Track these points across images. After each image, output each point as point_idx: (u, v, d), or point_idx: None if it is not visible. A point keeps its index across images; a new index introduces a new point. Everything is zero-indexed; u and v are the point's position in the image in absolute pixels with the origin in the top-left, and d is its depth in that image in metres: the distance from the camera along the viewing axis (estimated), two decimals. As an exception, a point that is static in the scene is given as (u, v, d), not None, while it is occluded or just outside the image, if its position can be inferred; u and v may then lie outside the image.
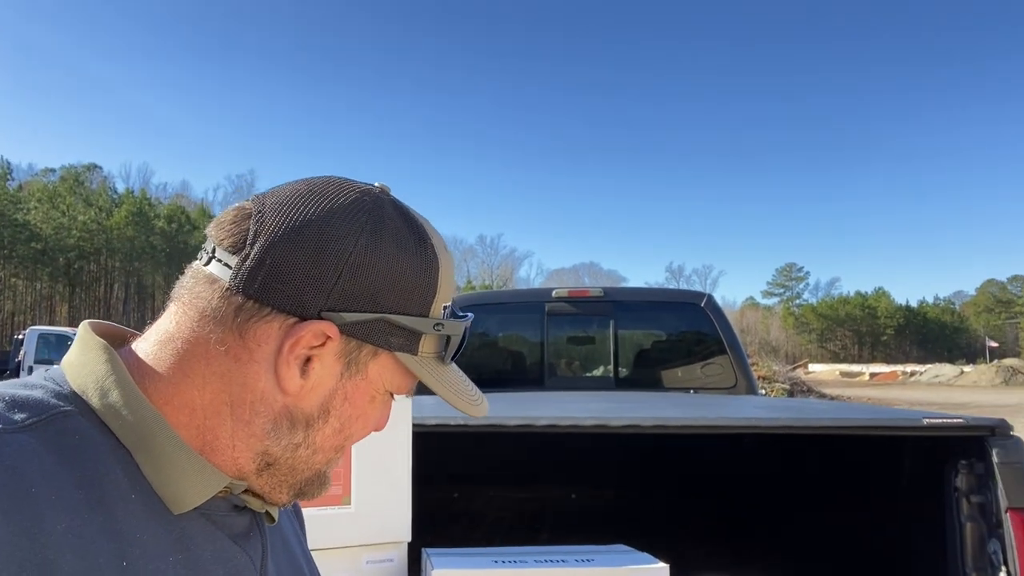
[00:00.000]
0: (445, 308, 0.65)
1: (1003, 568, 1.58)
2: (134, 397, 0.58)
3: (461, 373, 0.70)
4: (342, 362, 0.61)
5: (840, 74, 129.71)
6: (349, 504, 1.44)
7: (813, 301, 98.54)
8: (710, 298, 4.39)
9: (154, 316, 0.64)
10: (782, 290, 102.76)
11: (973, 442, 1.69)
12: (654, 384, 4.32)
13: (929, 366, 55.04)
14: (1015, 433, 1.68)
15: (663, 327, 4.65)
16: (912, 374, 52.19)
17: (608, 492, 3.98)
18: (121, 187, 58.06)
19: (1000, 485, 1.61)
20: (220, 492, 0.62)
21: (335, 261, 0.59)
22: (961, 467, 1.71)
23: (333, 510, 1.43)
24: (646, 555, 1.47)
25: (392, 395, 0.66)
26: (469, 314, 0.69)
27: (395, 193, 0.68)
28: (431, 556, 1.42)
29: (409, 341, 0.63)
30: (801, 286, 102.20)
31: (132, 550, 0.53)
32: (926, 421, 1.70)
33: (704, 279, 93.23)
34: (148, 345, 0.62)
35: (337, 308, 0.59)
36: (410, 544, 1.53)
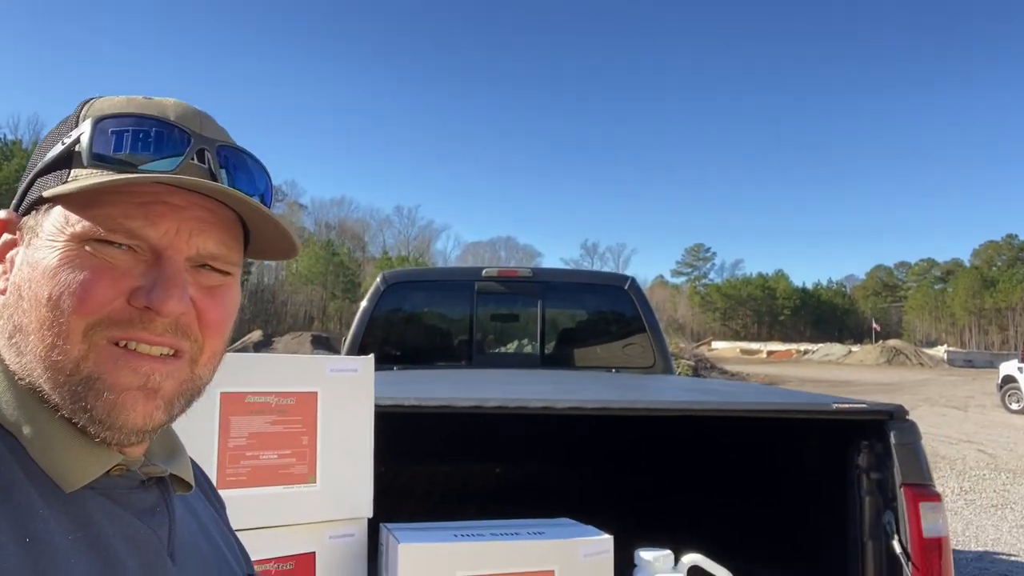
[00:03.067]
0: (97, 124, 0.59)
1: (895, 536, 1.80)
2: (6, 379, 0.57)
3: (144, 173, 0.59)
4: (26, 239, 0.60)
5: (746, 66, 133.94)
6: (315, 482, 1.50)
7: (718, 281, 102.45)
8: (633, 281, 4.58)
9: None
10: (690, 269, 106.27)
11: (874, 425, 1.89)
12: (578, 363, 4.49)
13: (821, 345, 58.33)
14: (911, 417, 1.89)
15: (588, 308, 4.81)
16: (805, 352, 55.22)
17: (531, 466, 4.13)
18: (9, 138, 54.06)
19: (896, 463, 1.81)
20: (116, 470, 0.60)
21: (29, 172, 0.63)
22: (863, 447, 1.92)
23: (300, 488, 1.49)
24: (591, 527, 1.60)
25: (106, 242, 0.57)
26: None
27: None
28: (393, 531, 1.49)
29: (58, 175, 0.60)
30: (708, 266, 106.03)
31: (35, 525, 0.52)
32: (835, 406, 1.89)
33: (617, 257, 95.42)
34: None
35: (18, 203, 0.63)
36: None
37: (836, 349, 54.08)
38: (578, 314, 4.88)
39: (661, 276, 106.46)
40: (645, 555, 1.54)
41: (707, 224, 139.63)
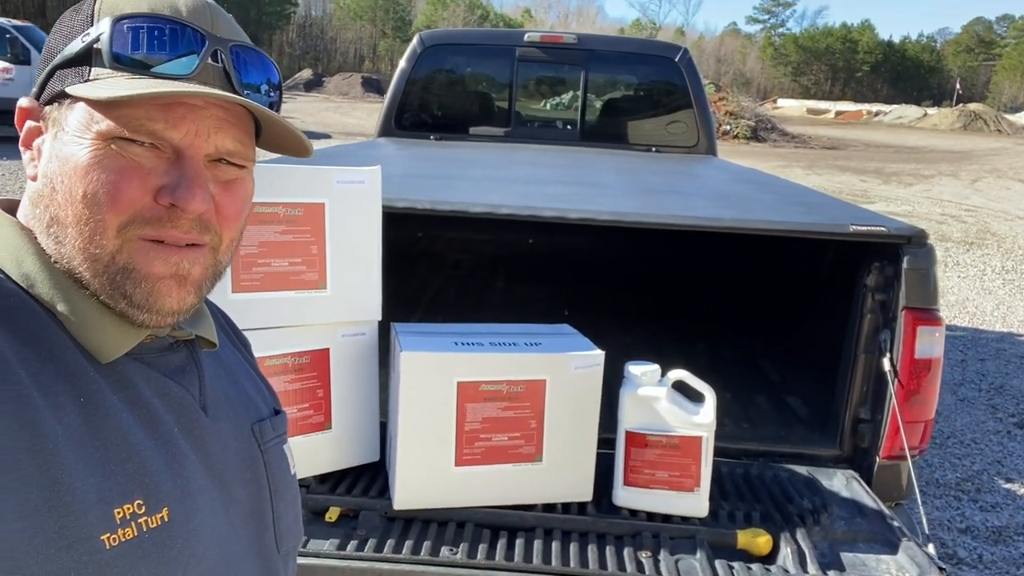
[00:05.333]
0: (116, 24, 0.61)
1: (887, 354, 1.86)
2: (44, 263, 0.62)
3: (169, 84, 0.62)
4: (52, 131, 0.62)
5: None
6: (326, 288, 1.59)
7: (797, 31, 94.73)
8: (685, 52, 4.31)
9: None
10: (767, 16, 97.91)
11: (890, 248, 1.87)
12: (618, 139, 4.39)
13: (894, 107, 55.04)
14: (930, 242, 1.86)
15: (634, 80, 4.59)
16: (877, 114, 52.32)
17: (562, 240, 4.24)
18: None
19: (903, 287, 1.82)
20: (146, 338, 0.65)
21: (46, 61, 0.65)
22: (874, 268, 1.91)
23: (311, 293, 1.58)
24: (586, 340, 1.69)
25: (130, 141, 0.60)
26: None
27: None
28: (400, 335, 1.61)
29: (79, 72, 0.62)
30: (788, 13, 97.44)
31: (87, 387, 0.59)
32: (853, 228, 1.86)
33: (688, 0, 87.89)
34: (29, 207, 0.64)
35: (39, 92, 0.65)
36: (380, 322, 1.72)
37: (910, 111, 50.92)
38: (623, 86, 4.67)
39: (734, 23, 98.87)
40: (634, 369, 1.64)
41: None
